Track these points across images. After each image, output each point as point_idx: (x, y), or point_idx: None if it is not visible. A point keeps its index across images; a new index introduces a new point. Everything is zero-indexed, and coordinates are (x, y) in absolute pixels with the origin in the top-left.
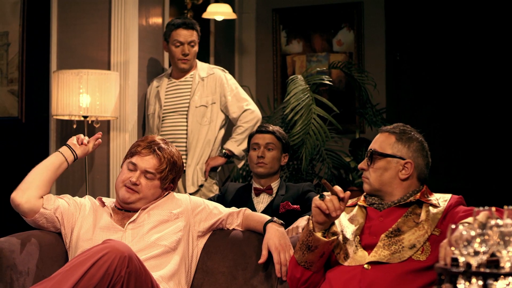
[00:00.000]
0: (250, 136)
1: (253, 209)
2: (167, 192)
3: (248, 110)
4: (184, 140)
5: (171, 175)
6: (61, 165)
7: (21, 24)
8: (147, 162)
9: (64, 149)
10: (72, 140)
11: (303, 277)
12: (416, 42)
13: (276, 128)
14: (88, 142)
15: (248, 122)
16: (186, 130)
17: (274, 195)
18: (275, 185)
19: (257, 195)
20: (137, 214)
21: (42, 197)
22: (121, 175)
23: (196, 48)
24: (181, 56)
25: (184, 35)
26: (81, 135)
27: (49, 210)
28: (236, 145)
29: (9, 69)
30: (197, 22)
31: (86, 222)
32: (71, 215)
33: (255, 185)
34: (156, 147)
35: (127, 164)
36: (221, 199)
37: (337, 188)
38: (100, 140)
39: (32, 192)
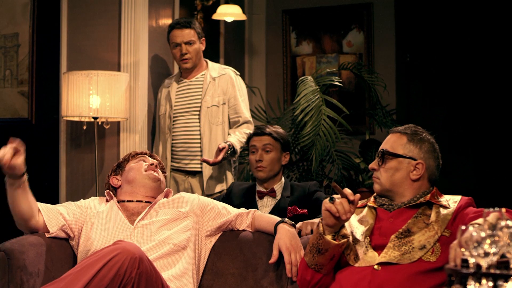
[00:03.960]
0: (249, 139)
1: None
2: (167, 190)
3: (251, 122)
4: (198, 140)
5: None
6: (20, 188)
7: (31, 25)
8: (152, 159)
9: (7, 178)
10: (2, 168)
11: (314, 279)
12: (426, 43)
13: (273, 128)
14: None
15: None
16: (199, 130)
17: (278, 198)
18: (278, 187)
19: (261, 198)
20: (145, 211)
21: (38, 213)
22: (136, 169)
23: (196, 46)
24: (180, 57)
25: (178, 35)
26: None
27: (55, 232)
28: (239, 146)
29: (19, 71)
30: (196, 20)
31: (95, 220)
32: (77, 221)
33: (258, 188)
34: (149, 153)
35: (135, 162)
36: (226, 200)
37: (347, 190)
38: (15, 148)
39: (26, 217)
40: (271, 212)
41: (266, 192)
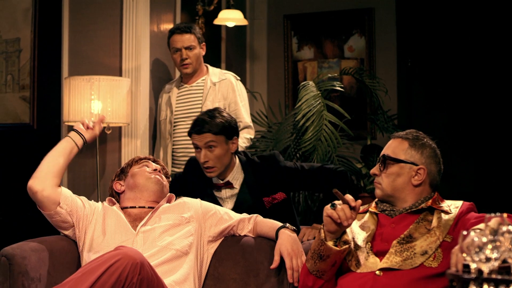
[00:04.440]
0: (189, 134)
1: (220, 206)
2: (169, 196)
3: (251, 127)
4: None
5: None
6: (72, 150)
7: (32, 30)
8: (155, 164)
9: (72, 134)
10: (79, 125)
11: (315, 286)
12: (428, 48)
13: (214, 121)
14: (93, 126)
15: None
16: None
17: (237, 188)
18: (233, 176)
19: (218, 189)
20: (147, 216)
21: (59, 186)
22: (139, 174)
23: (196, 51)
24: (180, 62)
25: (178, 40)
26: (85, 120)
27: (64, 210)
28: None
29: (21, 76)
30: (198, 25)
31: (99, 224)
32: (85, 217)
33: (214, 180)
34: (153, 158)
35: (138, 167)
36: (181, 179)
37: (349, 196)
38: (104, 122)
39: (48, 180)
40: (237, 206)
41: (222, 184)
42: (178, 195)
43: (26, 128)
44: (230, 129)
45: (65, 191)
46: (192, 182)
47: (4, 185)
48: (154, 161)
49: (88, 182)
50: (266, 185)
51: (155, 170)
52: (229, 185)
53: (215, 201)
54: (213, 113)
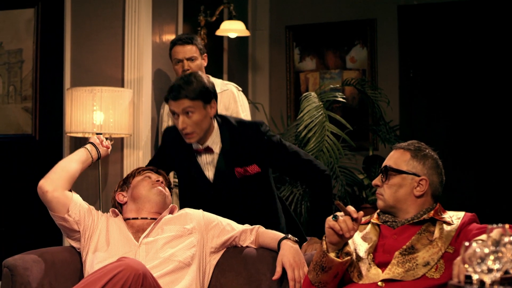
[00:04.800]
0: (166, 100)
1: (201, 173)
2: (172, 206)
3: None
4: None
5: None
6: (87, 160)
7: (35, 41)
8: (158, 175)
9: (89, 146)
10: (95, 139)
11: None
12: (430, 59)
13: (190, 87)
14: (107, 146)
15: None
16: None
17: (217, 152)
18: (212, 140)
19: (199, 155)
20: (150, 227)
21: (70, 190)
22: (142, 185)
23: (198, 62)
24: (182, 73)
25: (180, 51)
26: (101, 136)
27: (72, 218)
28: None
29: (23, 87)
30: (199, 36)
31: (102, 235)
32: (91, 227)
33: (194, 146)
34: (155, 168)
35: (141, 178)
36: (159, 154)
37: (350, 208)
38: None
39: (60, 182)
40: (217, 174)
41: (202, 149)
42: (159, 168)
43: (28, 139)
44: (208, 93)
45: (76, 198)
46: (171, 153)
47: (7, 195)
48: (156, 171)
49: (90, 193)
50: (241, 154)
51: (158, 181)
52: (209, 150)
53: (198, 168)
54: (190, 78)
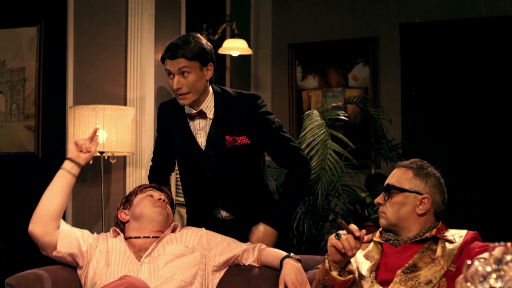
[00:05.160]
0: (162, 60)
1: (194, 140)
2: (174, 225)
3: None
4: None
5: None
6: (69, 183)
7: (37, 59)
8: (160, 192)
9: (66, 164)
10: (72, 151)
11: None
12: (432, 77)
13: (188, 46)
14: (89, 148)
15: None
16: None
17: (210, 117)
18: (206, 105)
19: (192, 119)
20: (152, 246)
21: (58, 227)
22: (143, 203)
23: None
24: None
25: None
26: (79, 140)
27: (63, 253)
28: None
29: (26, 105)
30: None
31: (102, 257)
32: (86, 255)
33: (187, 109)
34: (158, 186)
35: (143, 196)
36: (160, 130)
37: (353, 226)
38: (97, 135)
39: (48, 224)
40: (208, 141)
41: (195, 114)
42: (164, 151)
43: (31, 157)
44: (205, 55)
45: (63, 233)
46: (169, 123)
47: (9, 213)
48: (159, 188)
49: (93, 212)
50: (232, 123)
51: (159, 199)
52: (202, 114)
53: (190, 134)
54: (188, 38)
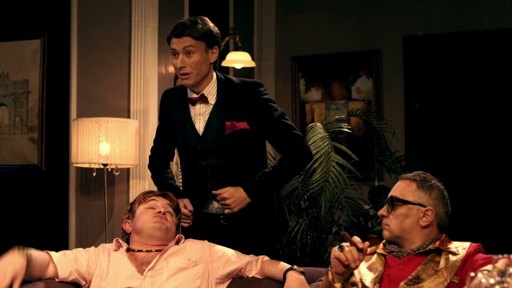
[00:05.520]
0: (168, 39)
1: (192, 125)
2: (178, 236)
3: None
4: None
5: (177, 220)
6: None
7: (41, 72)
8: (164, 200)
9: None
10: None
11: None
12: (435, 90)
13: (195, 27)
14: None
15: None
16: None
17: (212, 103)
18: (208, 90)
19: (193, 104)
20: (154, 260)
21: (50, 260)
22: (144, 215)
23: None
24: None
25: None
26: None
27: (65, 278)
28: None
29: (29, 117)
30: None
31: (104, 274)
32: (86, 274)
33: (189, 94)
34: (163, 192)
35: (145, 207)
36: (162, 118)
37: (356, 238)
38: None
39: (42, 273)
40: (208, 125)
41: (197, 98)
42: (165, 141)
43: (34, 170)
44: (212, 37)
45: (59, 263)
46: (169, 106)
47: (12, 226)
48: (163, 195)
49: (96, 224)
50: (233, 109)
51: (159, 212)
52: (203, 98)
53: (189, 119)
54: (196, 19)
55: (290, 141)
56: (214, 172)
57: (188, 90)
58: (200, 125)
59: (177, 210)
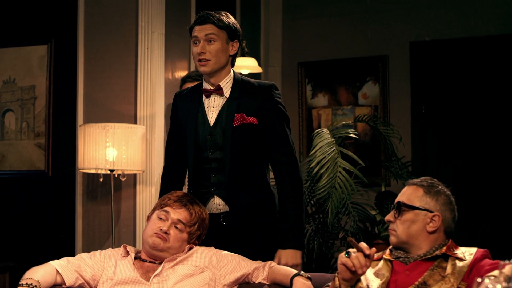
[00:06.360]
0: (190, 29)
1: (204, 116)
2: (189, 246)
3: None
4: None
5: (198, 231)
6: None
7: (48, 78)
8: (179, 213)
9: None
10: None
11: None
12: (442, 95)
13: (219, 17)
14: None
15: None
16: None
17: (227, 96)
18: (225, 82)
19: (208, 96)
20: (161, 267)
21: (56, 272)
22: (151, 225)
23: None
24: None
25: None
26: None
27: (72, 283)
28: None
29: (36, 123)
30: None
31: (110, 278)
32: (92, 280)
33: (205, 85)
34: (187, 201)
35: (157, 214)
36: (174, 119)
37: (363, 244)
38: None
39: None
40: (219, 115)
41: (212, 90)
42: (177, 141)
43: (41, 175)
44: (234, 31)
45: (64, 272)
46: (181, 104)
47: (19, 231)
48: (185, 205)
49: (103, 229)
50: (245, 103)
51: (161, 229)
52: (219, 90)
53: (203, 110)
54: (220, 12)
55: (280, 149)
56: (219, 166)
57: (204, 82)
58: (212, 117)
59: (199, 222)
